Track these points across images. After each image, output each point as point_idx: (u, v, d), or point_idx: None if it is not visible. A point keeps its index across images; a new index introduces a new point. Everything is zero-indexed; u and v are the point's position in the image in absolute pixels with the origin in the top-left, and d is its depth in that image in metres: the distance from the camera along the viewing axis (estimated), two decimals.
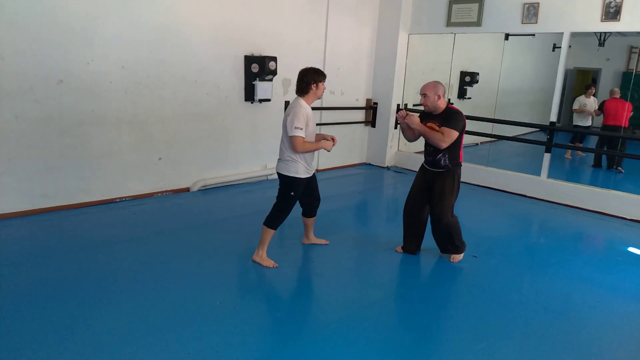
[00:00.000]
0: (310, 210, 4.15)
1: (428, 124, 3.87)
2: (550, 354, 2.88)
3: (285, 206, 3.83)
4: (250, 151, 6.36)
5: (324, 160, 7.38)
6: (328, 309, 3.29)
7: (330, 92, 7.14)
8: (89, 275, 3.49)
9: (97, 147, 4.93)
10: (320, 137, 3.94)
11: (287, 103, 6.57)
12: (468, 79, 8.46)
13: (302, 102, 3.69)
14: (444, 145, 3.76)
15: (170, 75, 5.33)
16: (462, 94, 8.51)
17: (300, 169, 3.73)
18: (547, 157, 6.41)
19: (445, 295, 3.61)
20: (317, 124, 7.04)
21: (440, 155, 3.90)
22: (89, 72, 4.73)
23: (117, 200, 5.18)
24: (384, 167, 7.91)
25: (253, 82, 6.01)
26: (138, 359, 2.57)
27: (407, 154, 7.98)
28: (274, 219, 3.84)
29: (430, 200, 4.04)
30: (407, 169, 7.78)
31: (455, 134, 3.76)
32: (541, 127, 7.08)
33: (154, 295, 3.27)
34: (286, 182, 3.77)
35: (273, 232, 3.87)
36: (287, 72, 6.45)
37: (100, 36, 4.73)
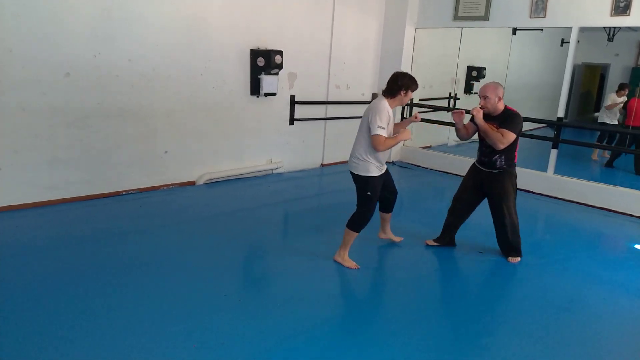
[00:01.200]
0: (387, 205, 4.14)
1: (490, 124, 3.85)
2: (555, 349, 2.87)
3: (367, 207, 3.72)
4: (256, 145, 6.36)
5: (329, 154, 7.37)
6: (331, 303, 3.29)
7: (336, 86, 7.13)
8: (95, 267, 3.52)
9: (104, 140, 4.95)
10: (396, 129, 3.89)
11: (293, 97, 6.56)
12: (475, 73, 8.42)
13: (385, 102, 3.63)
14: (502, 146, 3.74)
15: (176, 68, 5.33)
16: (468, 89, 8.46)
17: (372, 168, 3.66)
18: (554, 153, 6.37)
19: (450, 290, 3.60)
20: (322, 118, 7.05)
21: (496, 156, 3.90)
22: (95, 65, 4.74)
23: (123, 192, 5.20)
24: (389, 162, 7.89)
25: (259, 76, 6.00)
26: (143, 350, 2.59)
27: (413, 149, 7.96)
28: (358, 221, 3.73)
29: (491, 205, 4.07)
30: (412, 164, 7.77)
31: (513, 136, 3.76)
32: (548, 123, 7.03)
33: (160, 287, 3.29)
34: (361, 182, 3.70)
35: (356, 235, 3.77)
36: (293, 65, 6.44)
37: (106, 29, 4.74)
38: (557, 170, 6.38)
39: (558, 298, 3.53)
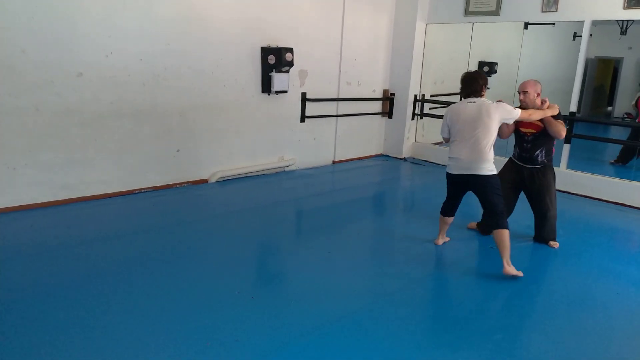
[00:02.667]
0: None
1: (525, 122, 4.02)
2: (568, 344, 2.86)
3: (503, 203, 3.74)
4: (267, 143, 6.38)
5: (341, 151, 7.37)
6: (345, 300, 3.30)
7: (347, 83, 7.12)
8: (110, 265, 3.56)
9: (117, 139, 5.00)
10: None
11: (304, 95, 6.57)
12: (487, 69, 8.34)
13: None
14: (564, 135, 3.98)
15: (187, 67, 5.36)
16: None
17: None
18: (566, 147, 6.31)
19: (462, 286, 3.59)
20: (334, 115, 7.05)
21: (538, 151, 4.08)
22: (107, 65, 4.78)
23: (137, 191, 5.26)
24: (401, 159, 7.88)
25: (270, 74, 6.02)
26: (157, 347, 2.62)
27: (425, 145, 7.93)
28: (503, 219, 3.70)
29: (533, 198, 4.19)
30: (424, 160, 7.74)
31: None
32: (561, 118, 6.96)
33: (173, 284, 3.32)
34: (493, 182, 3.69)
35: (508, 232, 3.69)
36: (304, 63, 6.45)
37: (118, 29, 4.78)
38: (570, 165, 6.33)
39: (571, 293, 3.51)
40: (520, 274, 3.60)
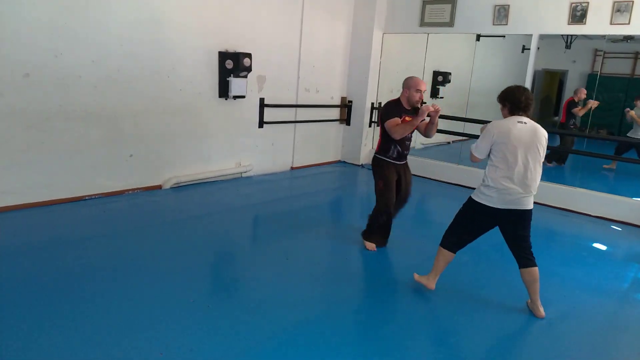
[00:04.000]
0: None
1: (407, 118, 4.00)
2: (519, 346, 2.96)
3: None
4: (224, 148, 6.31)
5: (299, 157, 7.38)
6: (302, 306, 3.29)
7: (306, 89, 7.14)
8: (55, 275, 3.40)
9: (65, 143, 4.81)
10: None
11: (262, 100, 6.54)
12: (440, 78, 8.58)
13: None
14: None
15: (141, 69, 5.23)
16: (434, 94, 8.61)
17: None
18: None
19: (415, 290, 3.65)
20: (292, 122, 7.04)
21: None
22: (56, 66, 4.60)
23: (87, 197, 5.06)
24: (358, 165, 7.95)
25: (227, 79, 5.95)
26: (106, 357, 2.53)
27: None
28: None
29: (400, 188, 4.26)
30: None
31: None
32: None
33: (125, 293, 3.21)
34: (530, 215, 3.23)
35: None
36: (262, 68, 6.42)
37: (69, 28, 4.61)
38: None
39: (519, 296, 3.62)
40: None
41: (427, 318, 3.30)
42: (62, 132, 4.76)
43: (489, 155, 3.19)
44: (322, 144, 7.79)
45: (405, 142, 4.10)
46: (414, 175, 7.30)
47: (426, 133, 4.13)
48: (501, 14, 6.40)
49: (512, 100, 3.16)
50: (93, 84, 4.88)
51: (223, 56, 5.88)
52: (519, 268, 3.29)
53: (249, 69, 5.97)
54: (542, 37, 6.36)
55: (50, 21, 4.49)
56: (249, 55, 5.91)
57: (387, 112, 3.99)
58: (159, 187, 5.68)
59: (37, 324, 2.78)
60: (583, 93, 7.80)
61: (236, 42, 6.04)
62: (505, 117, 3.23)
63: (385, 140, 4.07)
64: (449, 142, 9.09)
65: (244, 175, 6.58)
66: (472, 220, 3.35)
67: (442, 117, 7.46)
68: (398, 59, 8.03)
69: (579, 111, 7.82)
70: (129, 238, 4.22)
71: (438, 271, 3.47)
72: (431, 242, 4.71)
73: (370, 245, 4.25)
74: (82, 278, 3.38)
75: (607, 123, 9.10)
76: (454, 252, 3.43)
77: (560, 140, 7.93)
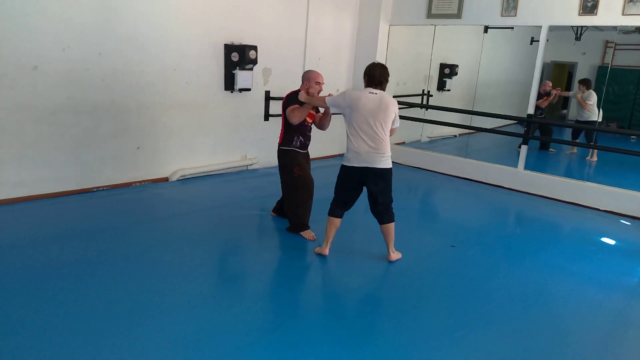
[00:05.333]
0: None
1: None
2: (526, 340, 2.95)
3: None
4: (230, 141, 6.31)
5: None
6: (309, 298, 3.30)
7: None
8: (65, 266, 3.44)
9: (74, 136, 4.84)
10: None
11: (268, 93, 6.53)
12: (447, 71, 8.52)
13: None
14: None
15: (148, 62, 5.24)
16: (441, 86, 8.56)
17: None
18: (524, 149, 6.51)
19: (423, 284, 3.65)
20: None
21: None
22: (64, 59, 4.62)
23: (94, 189, 5.10)
24: None
25: (233, 71, 5.95)
26: (117, 349, 2.55)
27: None
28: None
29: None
30: None
31: None
32: (519, 120, 7.18)
33: (132, 285, 3.24)
34: (389, 176, 3.79)
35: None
36: (268, 61, 6.41)
37: (76, 21, 4.62)
38: (527, 166, 6.53)
39: (528, 290, 3.62)
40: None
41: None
42: (70, 125, 4.78)
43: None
44: (327, 137, 7.73)
45: (306, 133, 4.35)
46: (420, 168, 7.37)
47: (320, 125, 4.42)
48: (510, 5, 6.33)
49: (369, 75, 3.71)
50: (100, 77, 4.90)
51: (229, 49, 5.87)
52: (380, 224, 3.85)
53: (254, 62, 5.96)
54: (552, 29, 6.28)
55: (58, 14, 4.50)
56: (254, 48, 5.89)
57: (289, 100, 4.19)
58: (166, 179, 5.70)
59: (46, 314, 2.81)
60: (548, 85, 8.01)
61: (242, 35, 6.03)
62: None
63: (288, 131, 4.26)
64: (455, 136, 9.05)
65: (249, 168, 6.59)
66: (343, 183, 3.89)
67: (449, 109, 7.50)
68: (405, 51, 7.97)
69: (542, 103, 7.93)
70: (136, 230, 4.24)
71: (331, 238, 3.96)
72: (439, 235, 4.70)
73: (309, 234, 4.26)
74: (91, 269, 3.41)
75: (617, 116, 9.01)
76: (337, 216, 3.91)
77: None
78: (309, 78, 4.18)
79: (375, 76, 3.69)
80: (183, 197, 5.27)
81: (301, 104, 4.13)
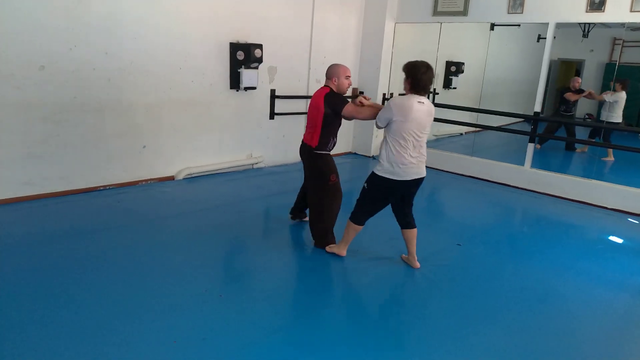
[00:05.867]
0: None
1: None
2: (533, 339, 2.94)
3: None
4: (236, 139, 6.32)
5: None
6: (315, 296, 3.30)
7: (317, 80, 7.11)
8: (73, 264, 3.46)
9: (80, 134, 4.86)
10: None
11: (273, 91, 6.53)
12: (454, 68, 8.48)
13: None
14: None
15: (154, 62, 5.25)
16: (447, 84, 8.53)
17: None
18: (530, 147, 6.48)
19: (429, 282, 3.64)
20: (303, 113, 7.02)
21: None
22: (71, 58, 4.64)
23: (101, 188, 5.12)
24: (369, 157, 7.92)
25: (238, 70, 5.95)
26: (123, 347, 2.56)
27: None
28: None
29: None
30: None
31: None
32: (525, 117, 7.15)
33: (139, 283, 3.26)
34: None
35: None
36: (273, 59, 6.41)
37: (83, 21, 4.64)
38: (534, 164, 6.49)
39: (534, 289, 3.60)
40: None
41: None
42: (77, 124, 4.81)
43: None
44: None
45: (337, 133, 3.99)
46: (427, 167, 7.32)
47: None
48: (516, 2, 6.30)
49: (413, 78, 3.36)
50: (107, 77, 4.92)
51: (234, 47, 5.88)
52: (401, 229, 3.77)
53: (260, 60, 5.96)
54: (559, 26, 6.24)
55: (64, 14, 4.52)
56: (260, 47, 5.90)
57: (336, 101, 3.75)
58: (172, 178, 5.72)
59: (52, 311, 2.83)
60: (577, 82, 8.10)
61: (247, 33, 6.03)
62: (406, 90, 3.45)
63: (324, 134, 3.85)
64: (461, 134, 9.02)
65: (255, 166, 6.60)
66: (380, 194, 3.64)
67: (455, 107, 7.47)
68: (410, 49, 7.94)
69: (571, 96, 8.04)
70: (142, 228, 4.26)
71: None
72: (445, 233, 4.69)
73: (340, 249, 3.92)
74: (96, 267, 3.43)
75: (625, 114, 8.93)
76: (363, 225, 3.76)
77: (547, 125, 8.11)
78: (338, 73, 3.82)
79: (423, 81, 3.32)
80: (189, 196, 5.29)
81: (347, 100, 3.83)
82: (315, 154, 3.92)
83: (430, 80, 3.35)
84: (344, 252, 3.87)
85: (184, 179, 5.76)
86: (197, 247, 3.92)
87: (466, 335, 2.93)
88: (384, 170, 3.46)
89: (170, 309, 2.96)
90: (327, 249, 3.96)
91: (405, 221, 3.75)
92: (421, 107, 3.35)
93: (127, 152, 5.26)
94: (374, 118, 3.63)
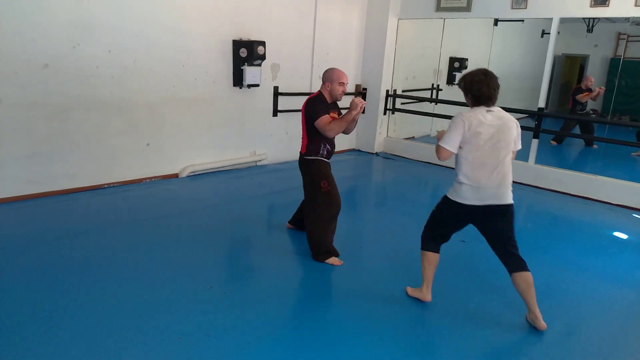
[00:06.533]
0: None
1: (333, 113, 3.68)
2: (536, 335, 2.93)
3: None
4: (239, 137, 6.33)
5: None
6: (319, 294, 3.31)
7: (319, 77, 7.08)
8: (77, 262, 3.47)
9: (84, 133, 4.88)
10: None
11: (276, 89, 6.53)
12: (457, 64, 8.46)
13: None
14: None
15: (157, 59, 5.26)
16: (450, 80, 8.52)
17: None
18: (534, 142, 6.45)
19: (433, 279, 3.63)
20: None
21: None
22: (74, 56, 4.65)
23: (105, 186, 5.14)
24: (373, 153, 7.92)
25: (241, 67, 5.95)
26: (128, 343, 2.58)
27: (396, 140, 7.99)
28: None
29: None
30: (396, 155, 7.80)
31: None
32: (529, 113, 7.12)
33: (143, 280, 3.27)
34: (513, 211, 3.13)
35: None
36: (276, 57, 6.40)
37: (86, 19, 4.65)
38: (538, 160, 6.47)
39: (539, 285, 3.57)
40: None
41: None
42: (81, 122, 4.83)
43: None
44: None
45: (332, 140, 3.73)
46: (430, 163, 7.33)
47: (346, 130, 3.76)
48: None
49: (473, 90, 2.95)
50: (110, 75, 4.93)
51: (237, 45, 5.88)
52: (510, 273, 3.01)
53: (263, 58, 5.96)
54: (563, 21, 6.21)
55: (68, 12, 4.53)
56: (262, 44, 5.89)
57: (315, 110, 3.55)
58: (176, 175, 5.74)
59: (58, 309, 2.85)
60: (590, 81, 8.01)
61: (250, 30, 6.03)
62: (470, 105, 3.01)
63: (313, 140, 3.65)
64: None
65: (258, 164, 6.60)
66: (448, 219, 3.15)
67: (459, 104, 7.45)
68: (414, 45, 7.93)
69: (583, 97, 8.00)
70: (146, 226, 4.28)
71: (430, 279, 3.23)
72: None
73: (335, 260, 3.71)
74: (101, 265, 3.45)
75: (630, 109, 8.89)
76: (437, 252, 3.22)
77: (564, 123, 8.19)
78: (332, 79, 3.63)
79: (484, 92, 2.89)
80: (193, 194, 5.30)
81: (331, 109, 3.64)
82: (305, 159, 3.72)
83: (493, 88, 2.95)
84: (428, 297, 3.22)
85: (187, 176, 5.77)
86: (200, 245, 3.92)
87: (470, 332, 2.92)
88: (454, 192, 3.12)
89: (175, 306, 2.97)
90: (327, 262, 3.66)
91: (511, 261, 3.04)
92: (490, 116, 2.93)
93: (131, 149, 5.28)
94: (336, 134, 3.51)
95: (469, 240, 4.37)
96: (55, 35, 4.50)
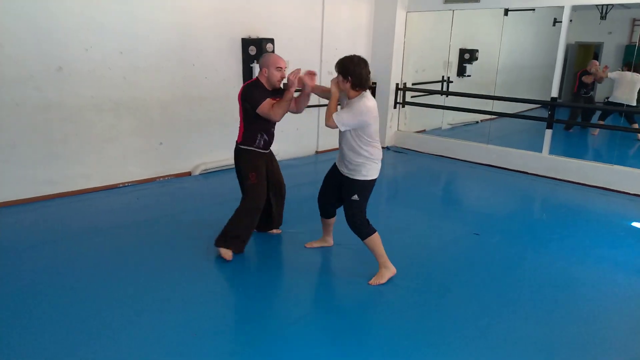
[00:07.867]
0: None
1: (276, 100, 3.57)
2: (554, 327, 2.92)
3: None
4: None
5: (323, 141, 7.37)
6: (330, 289, 3.32)
7: (329, 72, 7.09)
8: (94, 261, 3.53)
9: (98, 133, 4.94)
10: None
11: (285, 85, 6.53)
12: (467, 56, 8.39)
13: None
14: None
15: (168, 59, 5.30)
16: (461, 72, 8.45)
17: None
18: (548, 133, 6.38)
19: (447, 272, 3.63)
20: (316, 105, 7.01)
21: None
22: (87, 59, 4.71)
23: (120, 185, 5.21)
24: (383, 147, 7.90)
25: (251, 65, 5.97)
26: (144, 340, 2.62)
27: (407, 133, 7.96)
28: None
29: (271, 178, 3.87)
30: (406, 149, 7.77)
31: None
32: (542, 103, 7.05)
33: (158, 278, 3.31)
34: None
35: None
36: (285, 53, 6.39)
37: (97, 22, 4.70)
38: (552, 151, 6.40)
39: (556, 277, 3.57)
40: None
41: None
42: (94, 123, 4.89)
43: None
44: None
45: (271, 130, 3.69)
46: (441, 156, 7.30)
47: (298, 107, 3.74)
48: None
49: (357, 75, 3.26)
50: (122, 75, 4.98)
51: (246, 43, 5.90)
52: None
53: None
54: (575, 9, 6.12)
55: (80, 15, 4.59)
56: (271, 41, 5.90)
57: (253, 97, 3.45)
58: (189, 173, 5.79)
59: (72, 307, 2.90)
60: (594, 66, 8.09)
61: (258, 28, 6.04)
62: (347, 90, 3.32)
63: (250, 130, 3.58)
64: (477, 122, 8.93)
65: None
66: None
67: (470, 95, 7.39)
68: (423, 37, 7.88)
69: (587, 78, 8.06)
70: (161, 223, 4.33)
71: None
72: (462, 223, 4.67)
73: (227, 253, 3.60)
74: (117, 263, 3.50)
75: None
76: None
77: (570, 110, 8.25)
78: (268, 64, 3.50)
79: (364, 76, 3.24)
80: (206, 191, 5.35)
81: (271, 94, 3.52)
82: (240, 148, 3.64)
83: (369, 74, 3.32)
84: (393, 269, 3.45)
85: (200, 174, 5.82)
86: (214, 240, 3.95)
87: (486, 325, 2.92)
88: (368, 172, 3.36)
89: (190, 302, 3.01)
90: (220, 250, 3.62)
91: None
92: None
93: (145, 149, 5.34)
94: (281, 117, 3.50)
95: (482, 233, 4.36)
96: (68, 39, 4.56)
